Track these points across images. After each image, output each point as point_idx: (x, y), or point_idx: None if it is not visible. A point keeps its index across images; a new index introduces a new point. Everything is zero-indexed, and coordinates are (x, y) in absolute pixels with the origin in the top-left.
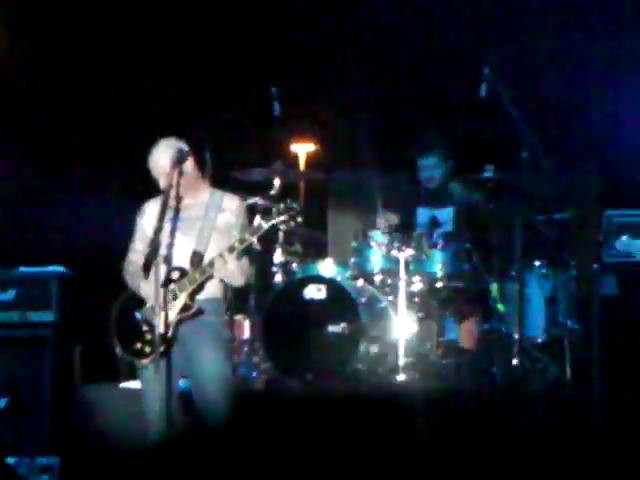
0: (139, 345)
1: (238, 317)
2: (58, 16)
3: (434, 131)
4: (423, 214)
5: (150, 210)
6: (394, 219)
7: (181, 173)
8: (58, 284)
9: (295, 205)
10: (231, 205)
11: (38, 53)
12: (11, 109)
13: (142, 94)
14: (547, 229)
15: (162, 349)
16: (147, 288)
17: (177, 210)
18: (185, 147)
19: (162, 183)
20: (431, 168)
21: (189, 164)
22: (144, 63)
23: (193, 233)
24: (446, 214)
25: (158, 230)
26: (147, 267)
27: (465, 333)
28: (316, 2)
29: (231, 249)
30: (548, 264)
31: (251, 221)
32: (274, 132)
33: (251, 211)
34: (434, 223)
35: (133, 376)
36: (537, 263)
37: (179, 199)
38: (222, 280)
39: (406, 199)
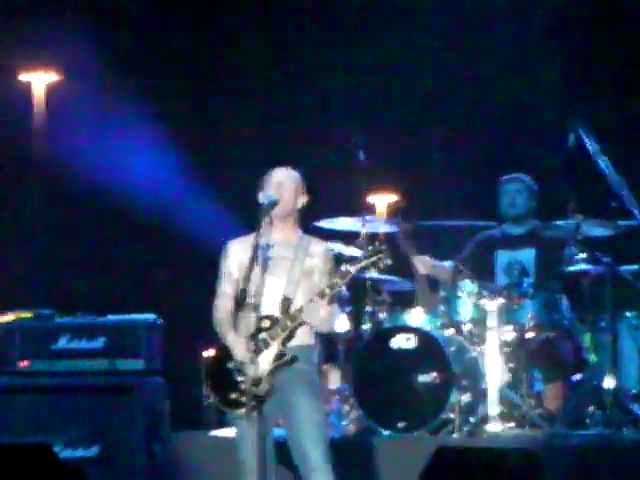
0: (234, 395)
1: (326, 366)
2: None
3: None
4: (503, 256)
5: (235, 250)
6: (430, 266)
7: (271, 220)
8: (147, 332)
9: (382, 248)
10: (319, 250)
11: None
12: None
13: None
14: (637, 279)
15: (257, 400)
16: (236, 340)
17: (267, 248)
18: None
19: (274, 195)
20: (514, 193)
21: (289, 196)
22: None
23: (281, 274)
24: (527, 255)
25: (247, 278)
26: (236, 318)
27: (550, 395)
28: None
29: (322, 294)
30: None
31: (337, 269)
32: (358, 181)
33: (337, 260)
34: (522, 272)
35: (221, 424)
36: (628, 314)
37: (268, 239)
38: (312, 327)
39: (487, 242)
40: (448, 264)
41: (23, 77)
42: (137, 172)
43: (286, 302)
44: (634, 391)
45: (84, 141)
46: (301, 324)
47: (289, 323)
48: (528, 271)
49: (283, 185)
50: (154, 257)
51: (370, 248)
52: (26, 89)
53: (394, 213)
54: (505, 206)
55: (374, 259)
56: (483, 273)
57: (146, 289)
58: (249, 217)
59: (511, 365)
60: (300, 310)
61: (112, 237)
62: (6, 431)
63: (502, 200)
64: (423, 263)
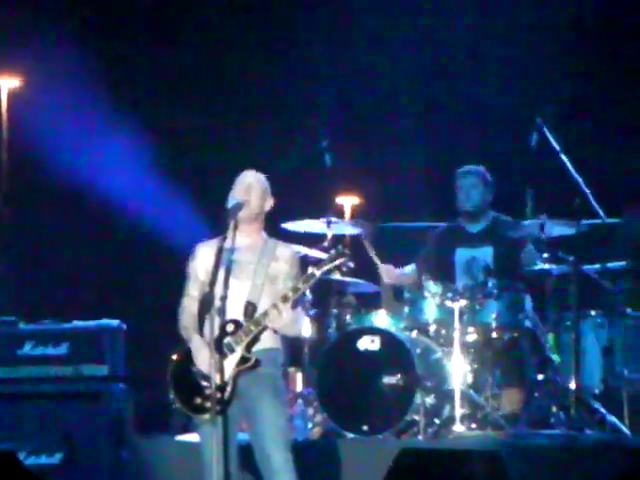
0: (199, 400)
1: (291, 369)
2: None
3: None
4: (462, 254)
5: (202, 253)
6: (395, 276)
7: (237, 223)
8: (111, 337)
9: (346, 251)
10: (285, 253)
11: None
12: None
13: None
14: (602, 278)
15: (222, 404)
16: (200, 345)
17: (232, 251)
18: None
19: (242, 197)
20: (469, 187)
21: (256, 199)
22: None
23: (245, 277)
24: (485, 253)
25: (212, 283)
26: (201, 322)
27: (507, 400)
28: (367, 59)
29: (285, 298)
30: (604, 313)
31: (303, 272)
32: (324, 183)
33: (302, 263)
34: (487, 272)
35: (187, 429)
36: (593, 312)
37: (234, 242)
38: (276, 331)
39: (445, 239)
40: (410, 269)
41: None
42: (104, 175)
43: (250, 306)
44: (597, 390)
45: (50, 144)
46: (265, 328)
47: (253, 328)
48: (490, 269)
49: (251, 187)
50: (118, 261)
51: (333, 251)
52: None
53: (357, 215)
54: (461, 201)
55: (337, 262)
56: (443, 271)
57: (110, 293)
58: (218, 221)
59: (475, 366)
60: (264, 314)
61: (76, 242)
62: None
63: (458, 195)
64: (387, 273)
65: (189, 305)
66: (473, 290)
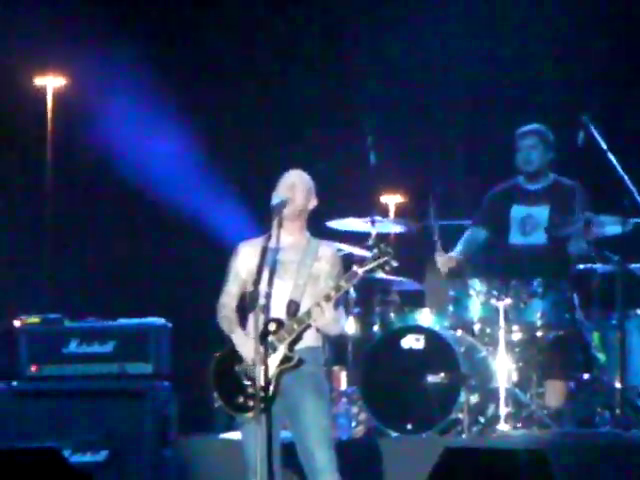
0: (241, 399)
1: (335, 368)
2: None
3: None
4: (518, 211)
5: (245, 252)
6: (451, 261)
7: (281, 221)
8: (157, 336)
9: (389, 249)
10: (327, 253)
11: None
12: None
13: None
14: None
15: (265, 403)
16: (244, 339)
17: (276, 251)
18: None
19: (286, 195)
20: (529, 149)
21: (300, 197)
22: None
23: (289, 277)
24: (542, 213)
25: (257, 281)
26: (245, 319)
27: (550, 392)
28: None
29: (327, 297)
30: None
31: (346, 270)
32: (369, 182)
33: (347, 262)
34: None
35: (231, 427)
36: (638, 312)
37: (278, 241)
38: (319, 329)
39: (501, 197)
40: (456, 252)
41: (38, 81)
42: (149, 175)
43: (293, 305)
44: None
45: (95, 144)
46: (308, 327)
47: (296, 326)
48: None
49: (295, 186)
50: (163, 259)
51: (376, 250)
52: (41, 93)
53: (406, 214)
54: (520, 162)
55: (380, 261)
56: (498, 228)
57: (155, 291)
58: (264, 220)
59: (520, 364)
60: (307, 313)
61: (121, 241)
62: (16, 435)
63: (517, 155)
64: (445, 261)
65: (229, 302)
66: (518, 288)
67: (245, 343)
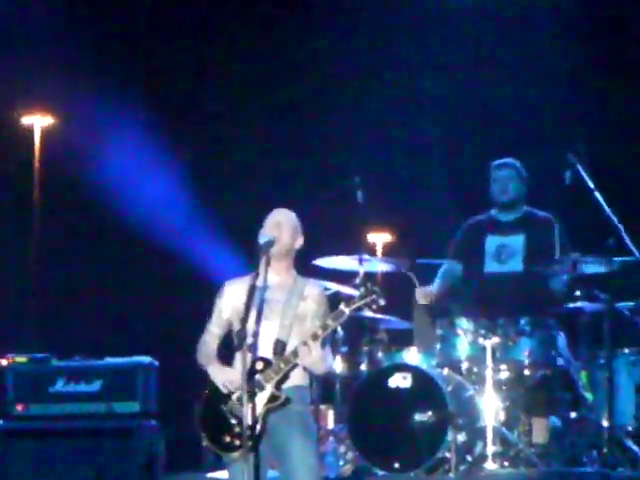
0: (228, 438)
1: (323, 406)
2: None
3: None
4: (492, 241)
5: (230, 291)
6: (431, 294)
7: (269, 260)
8: (144, 374)
9: (376, 289)
10: (313, 292)
11: None
12: None
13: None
14: (636, 315)
15: (252, 442)
16: (218, 370)
17: (264, 289)
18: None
19: (273, 234)
20: (505, 179)
21: (287, 236)
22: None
23: (275, 317)
24: (517, 241)
25: (244, 320)
26: (232, 358)
27: (536, 429)
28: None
29: (314, 336)
30: (638, 351)
31: (333, 309)
32: (356, 220)
33: (334, 300)
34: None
35: (219, 466)
36: (626, 350)
37: (265, 280)
38: (305, 368)
39: (476, 228)
40: (434, 286)
41: (26, 120)
42: (137, 213)
43: (279, 344)
44: (630, 428)
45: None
46: (295, 366)
47: (282, 366)
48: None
49: (281, 225)
50: (149, 298)
51: (363, 289)
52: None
53: (394, 251)
54: (496, 192)
55: (368, 299)
56: (472, 259)
57: (143, 330)
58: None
59: (507, 403)
60: (294, 352)
61: (107, 280)
62: (2, 476)
63: (493, 186)
64: (424, 294)
65: (209, 341)
66: (506, 327)
67: (218, 374)
